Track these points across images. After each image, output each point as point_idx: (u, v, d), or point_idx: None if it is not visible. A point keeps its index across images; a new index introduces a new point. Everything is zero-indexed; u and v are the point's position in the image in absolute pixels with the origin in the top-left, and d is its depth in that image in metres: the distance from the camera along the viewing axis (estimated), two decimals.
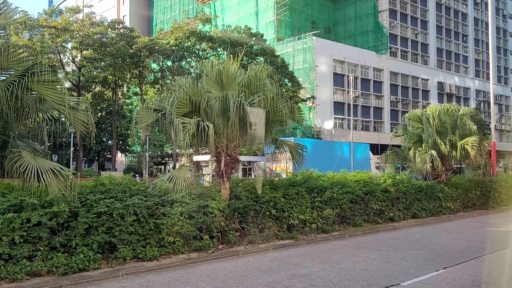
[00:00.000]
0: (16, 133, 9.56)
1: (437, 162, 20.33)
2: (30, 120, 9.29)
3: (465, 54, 79.20)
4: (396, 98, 65.40)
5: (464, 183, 22.46)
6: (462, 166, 28.92)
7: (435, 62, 72.68)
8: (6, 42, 8.82)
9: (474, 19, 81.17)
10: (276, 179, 15.00)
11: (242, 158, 15.88)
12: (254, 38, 45.15)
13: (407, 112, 25.85)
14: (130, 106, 56.98)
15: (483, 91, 78.82)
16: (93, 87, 48.59)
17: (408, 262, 10.29)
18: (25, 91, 8.40)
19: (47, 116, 9.27)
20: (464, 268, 9.81)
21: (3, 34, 9.22)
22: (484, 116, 70.98)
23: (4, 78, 8.82)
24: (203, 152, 16.81)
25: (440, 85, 71.79)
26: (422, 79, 69.37)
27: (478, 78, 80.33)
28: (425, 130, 21.66)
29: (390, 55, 64.81)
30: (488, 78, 71.60)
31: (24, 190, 9.11)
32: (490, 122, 40.03)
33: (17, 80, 8.31)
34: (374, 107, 62.50)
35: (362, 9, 63.10)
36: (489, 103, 63.88)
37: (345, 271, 9.43)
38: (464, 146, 20.52)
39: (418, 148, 21.39)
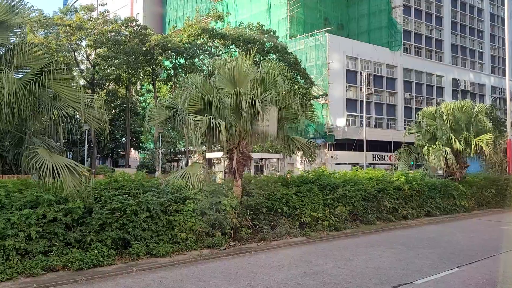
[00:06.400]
0: (32, 130, 9.70)
1: (451, 160, 20.10)
2: (45, 117, 9.42)
3: (480, 50, 77.95)
4: (409, 95, 64.69)
5: (479, 181, 22.14)
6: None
7: (450, 58, 71.68)
8: (22, 40, 8.95)
9: (490, 15, 79.81)
10: (288, 176, 14.98)
11: (254, 155, 15.91)
12: (266, 35, 45.02)
13: (421, 109, 25.56)
14: (143, 104, 57.41)
15: (499, 88, 77.46)
16: (107, 84, 49.07)
17: (421, 261, 10.21)
18: (41, 89, 8.54)
19: (62, 113, 9.40)
20: (479, 267, 9.70)
21: (19, 32, 9.35)
22: (500, 113, 69.86)
23: (20, 76, 8.96)
24: (215, 149, 16.89)
25: (455, 81, 70.80)
26: (437, 75, 68.47)
27: (494, 75, 79.04)
28: (439, 127, 21.41)
29: (404, 52, 64.10)
30: (504, 75, 70.32)
31: (40, 186, 9.26)
32: (506, 119, 39.44)
33: (34, 79, 8.45)
34: (387, 104, 61.91)
35: (376, 5, 62.52)
36: (505, 100, 62.79)
37: (357, 269, 9.39)
38: (478, 144, 20.25)
39: (432, 146, 21.17)
